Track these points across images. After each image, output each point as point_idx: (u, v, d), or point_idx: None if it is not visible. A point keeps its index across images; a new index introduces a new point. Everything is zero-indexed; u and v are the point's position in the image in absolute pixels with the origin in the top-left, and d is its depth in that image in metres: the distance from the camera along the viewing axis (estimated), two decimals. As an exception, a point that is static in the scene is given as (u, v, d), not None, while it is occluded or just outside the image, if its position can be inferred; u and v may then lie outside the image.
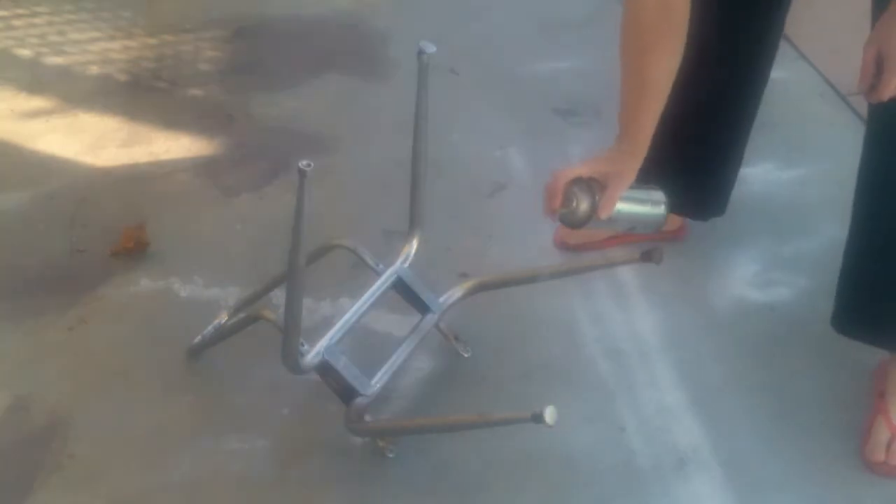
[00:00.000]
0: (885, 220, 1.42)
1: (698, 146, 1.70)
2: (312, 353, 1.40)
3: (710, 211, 1.82)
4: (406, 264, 1.54)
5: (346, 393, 1.44)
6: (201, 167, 2.13)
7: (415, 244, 1.55)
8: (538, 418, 1.09)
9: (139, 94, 2.38)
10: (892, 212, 1.40)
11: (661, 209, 1.38)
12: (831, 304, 1.53)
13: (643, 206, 1.37)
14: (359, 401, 1.43)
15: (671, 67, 1.28)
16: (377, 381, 1.45)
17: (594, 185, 1.30)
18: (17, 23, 2.70)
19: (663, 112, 1.72)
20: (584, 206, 1.29)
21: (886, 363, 1.54)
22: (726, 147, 1.71)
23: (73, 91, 2.39)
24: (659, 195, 1.38)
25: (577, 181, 1.29)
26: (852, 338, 1.52)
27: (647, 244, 1.65)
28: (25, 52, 2.55)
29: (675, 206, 1.81)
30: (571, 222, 1.31)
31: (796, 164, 1.90)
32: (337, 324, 1.45)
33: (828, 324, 1.53)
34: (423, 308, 1.55)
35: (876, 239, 1.44)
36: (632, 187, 1.33)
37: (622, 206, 1.32)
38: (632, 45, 1.28)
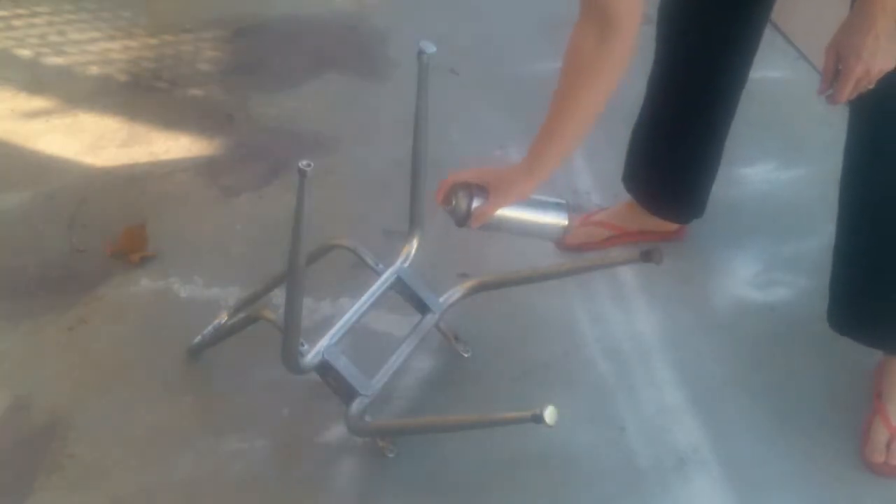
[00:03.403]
0: (868, 218, 1.43)
1: (673, 149, 1.71)
2: (312, 353, 1.40)
3: (689, 213, 1.82)
4: (406, 264, 1.54)
5: (346, 393, 1.44)
6: (201, 167, 2.13)
7: (415, 244, 1.55)
8: (538, 418, 1.09)
9: (139, 94, 2.38)
10: (874, 211, 1.42)
11: (557, 221, 1.39)
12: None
13: (537, 216, 1.38)
14: (359, 401, 1.43)
15: (597, 106, 1.29)
16: (377, 381, 1.45)
17: (478, 193, 1.33)
18: (17, 23, 2.70)
19: (641, 116, 1.73)
20: (461, 208, 1.33)
21: (884, 363, 1.54)
22: (702, 150, 1.72)
23: (73, 91, 2.38)
24: (560, 209, 1.39)
25: (465, 185, 1.34)
26: (847, 336, 1.52)
27: (647, 244, 1.66)
28: (25, 52, 2.55)
29: (654, 209, 1.82)
30: (454, 220, 1.36)
31: (796, 164, 1.90)
32: (337, 324, 1.45)
33: (828, 323, 1.54)
34: (423, 308, 1.55)
35: (860, 238, 1.46)
36: (536, 197, 1.36)
37: (511, 215, 1.35)
38: (566, 76, 1.29)
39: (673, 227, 1.86)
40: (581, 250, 1.86)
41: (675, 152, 1.71)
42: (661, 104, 1.69)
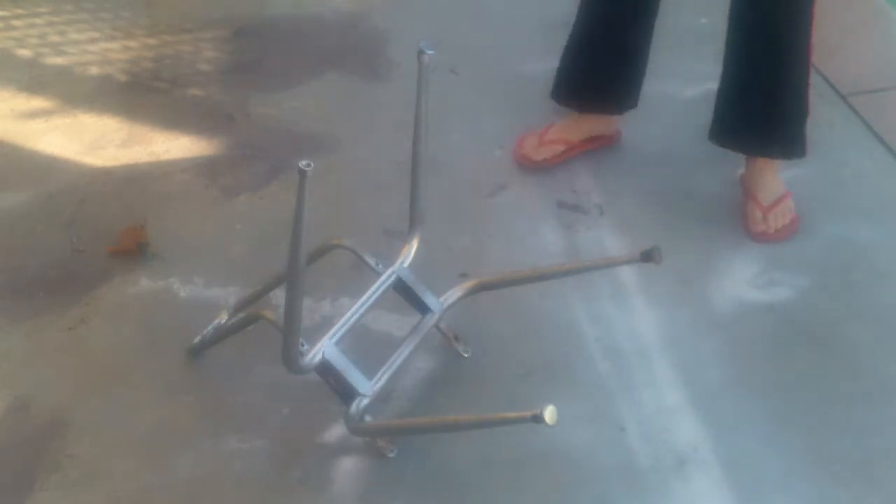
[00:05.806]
0: (744, 56, 1.80)
1: (606, 47, 1.93)
2: (312, 353, 1.40)
3: (625, 103, 2.01)
4: (406, 264, 1.54)
5: (346, 393, 1.44)
6: (201, 167, 2.13)
7: (415, 244, 1.55)
8: (538, 418, 1.09)
9: (139, 94, 2.38)
10: (748, 50, 1.78)
11: None
12: (831, 304, 1.54)
13: None
14: (358, 401, 1.43)
15: None
16: (377, 381, 1.45)
17: None
18: (17, 23, 2.70)
19: (575, 30, 1.97)
20: None
21: (748, 168, 1.90)
22: (629, 39, 1.93)
23: (73, 91, 2.38)
24: None
25: None
26: (723, 146, 1.90)
27: (647, 244, 1.64)
28: (25, 52, 2.55)
29: (595, 108, 2.02)
30: None
31: (796, 164, 1.89)
32: (337, 324, 1.45)
33: (828, 323, 1.54)
34: (423, 308, 1.55)
35: (736, 70, 1.81)
36: None
37: None
38: None
39: (611, 130, 2.07)
40: (544, 166, 2.04)
41: (607, 49, 1.93)
42: (591, 12, 1.92)
